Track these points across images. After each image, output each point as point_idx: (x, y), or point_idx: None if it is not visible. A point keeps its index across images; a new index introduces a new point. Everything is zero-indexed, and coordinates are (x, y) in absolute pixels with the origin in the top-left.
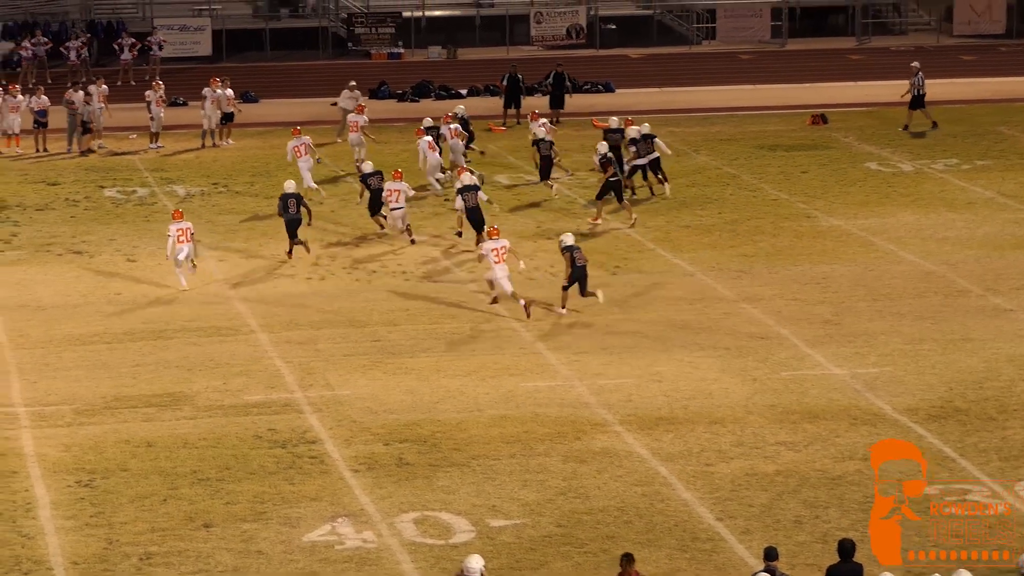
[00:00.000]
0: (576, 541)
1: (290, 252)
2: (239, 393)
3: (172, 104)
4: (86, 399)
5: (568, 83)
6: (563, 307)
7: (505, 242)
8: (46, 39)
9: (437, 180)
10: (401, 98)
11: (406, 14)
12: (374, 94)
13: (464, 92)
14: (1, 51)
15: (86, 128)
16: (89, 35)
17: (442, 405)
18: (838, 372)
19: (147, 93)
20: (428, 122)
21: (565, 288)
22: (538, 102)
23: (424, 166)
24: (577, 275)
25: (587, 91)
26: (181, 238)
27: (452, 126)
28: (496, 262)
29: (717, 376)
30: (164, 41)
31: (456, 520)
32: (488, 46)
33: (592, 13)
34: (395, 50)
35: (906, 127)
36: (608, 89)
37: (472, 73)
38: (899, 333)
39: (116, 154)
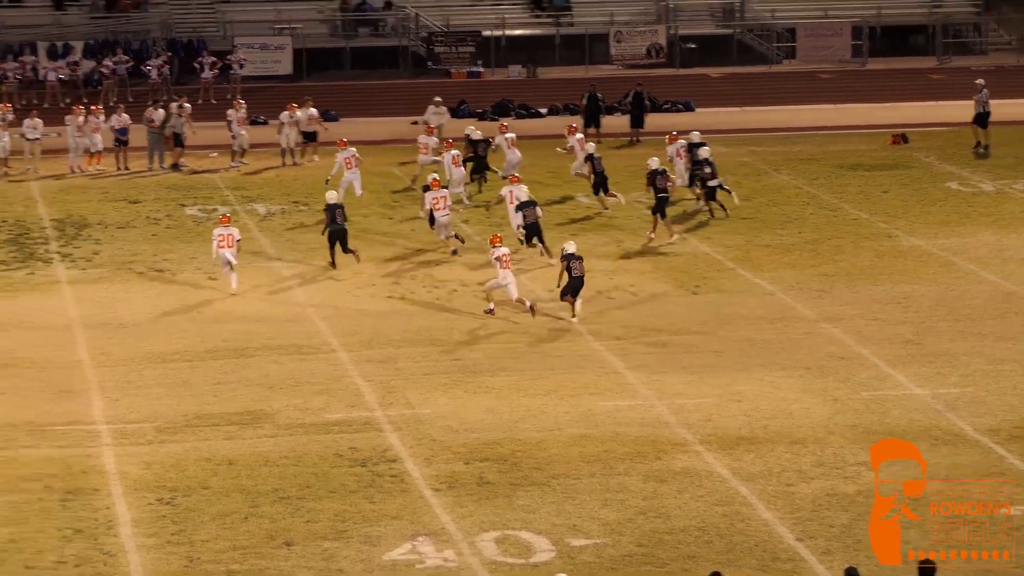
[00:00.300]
0: (657, 561)
1: (333, 262)
2: (320, 411)
3: (253, 123)
4: (168, 417)
5: (647, 102)
6: (573, 315)
7: (505, 250)
8: (127, 57)
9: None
10: (481, 116)
11: (486, 33)
12: (454, 113)
13: (544, 111)
14: (83, 70)
15: (178, 141)
16: (170, 54)
17: (522, 424)
18: (919, 392)
19: (228, 112)
20: (471, 131)
21: (563, 297)
22: (618, 121)
23: (449, 179)
24: (573, 285)
25: (667, 110)
26: (223, 243)
27: (509, 136)
28: (503, 268)
29: (798, 396)
30: (245, 60)
31: (536, 539)
32: (568, 65)
33: (672, 32)
34: (475, 69)
35: (978, 145)
36: (688, 108)
37: (552, 92)
38: (980, 353)
39: (197, 172)
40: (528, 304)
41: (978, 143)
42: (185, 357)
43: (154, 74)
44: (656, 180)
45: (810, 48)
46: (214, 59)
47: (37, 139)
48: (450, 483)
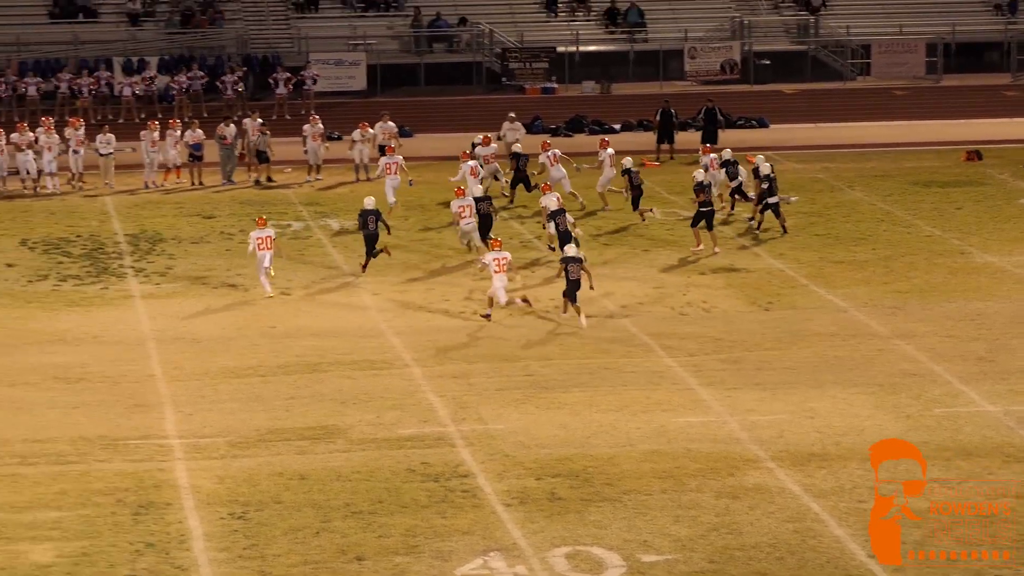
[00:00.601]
0: None
1: (364, 267)
2: (392, 426)
3: (328, 138)
4: (240, 431)
5: (720, 117)
6: (568, 312)
7: (506, 254)
8: (202, 73)
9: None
10: (555, 132)
11: (560, 49)
12: (528, 128)
13: (617, 127)
14: (158, 85)
15: (263, 158)
16: (245, 69)
17: (594, 440)
18: (992, 409)
19: (304, 128)
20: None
21: (564, 297)
22: (692, 137)
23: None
24: (569, 289)
25: (741, 126)
26: (262, 246)
27: (553, 152)
28: (496, 271)
29: (870, 413)
30: (318, 75)
31: (608, 555)
32: (642, 81)
33: (746, 48)
34: (549, 85)
35: None
36: (762, 124)
37: (625, 108)
38: None
39: (271, 187)
40: (519, 299)
41: None
42: (258, 372)
43: (229, 90)
44: (701, 192)
45: (885, 64)
46: (288, 75)
47: (111, 154)
48: (522, 498)
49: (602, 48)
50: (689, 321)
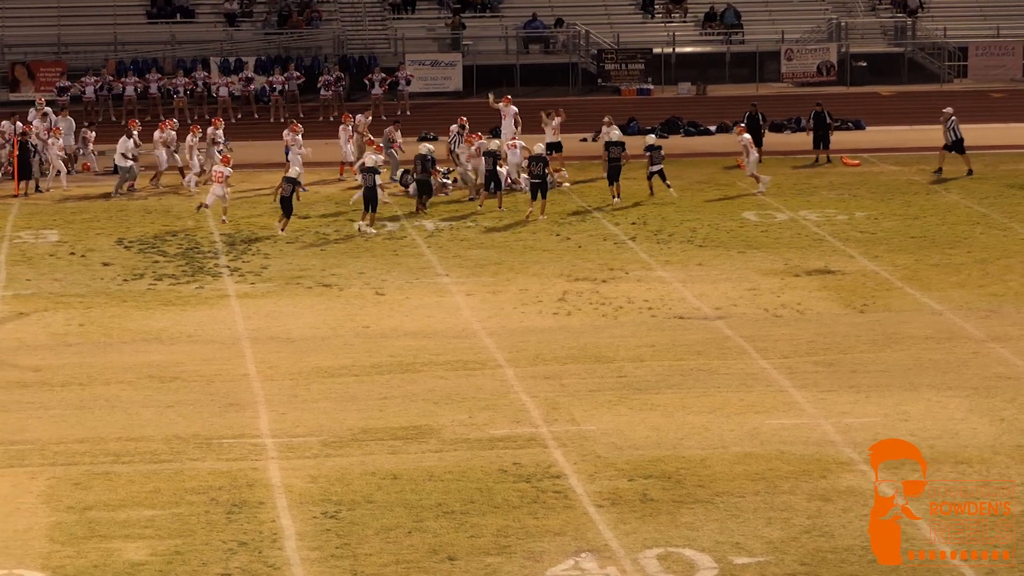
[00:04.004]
0: None
1: (420, 208)
2: (484, 427)
3: (421, 139)
4: (333, 431)
5: (830, 121)
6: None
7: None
8: (298, 73)
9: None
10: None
11: (656, 51)
12: (623, 130)
13: (712, 128)
14: (255, 86)
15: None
16: (341, 70)
17: (687, 441)
18: None
19: (387, 130)
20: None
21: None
22: (788, 139)
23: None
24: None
25: (838, 128)
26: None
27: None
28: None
29: (964, 416)
30: (412, 76)
31: (699, 557)
32: (737, 83)
33: (843, 50)
34: (645, 86)
35: (939, 170)
36: (858, 127)
37: (721, 109)
38: None
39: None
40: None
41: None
42: (351, 372)
43: (325, 90)
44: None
45: (982, 67)
46: (384, 75)
47: (220, 149)
48: (613, 500)
49: (698, 49)
50: (783, 323)
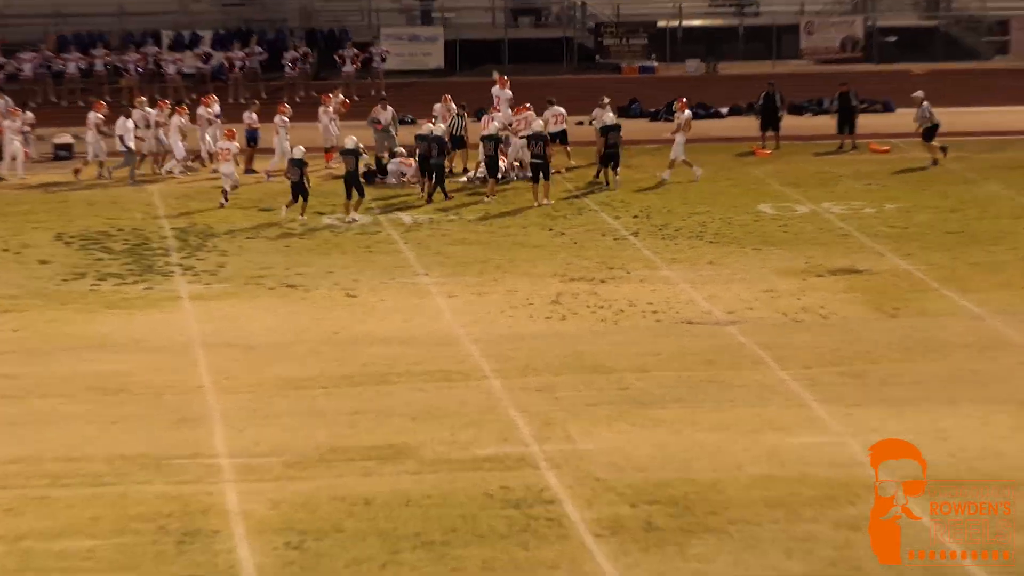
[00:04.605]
0: None
1: (430, 197)
2: (469, 446)
3: (400, 122)
4: (298, 450)
5: (856, 103)
6: None
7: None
8: (260, 49)
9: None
10: (654, 117)
11: (661, 24)
12: (624, 112)
13: (724, 111)
14: (212, 62)
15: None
16: (308, 46)
17: (696, 462)
18: None
19: (376, 108)
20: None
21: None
22: (809, 123)
23: None
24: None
25: (864, 110)
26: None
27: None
28: None
29: (1009, 433)
30: (387, 52)
31: None
32: (752, 59)
33: (870, 24)
34: (648, 63)
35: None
36: (887, 108)
37: (733, 90)
38: None
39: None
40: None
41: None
42: (319, 383)
43: (290, 68)
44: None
45: None
46: (356, 51)
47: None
48: (614, 528)
49: (708, 23)
50: (805, 329)
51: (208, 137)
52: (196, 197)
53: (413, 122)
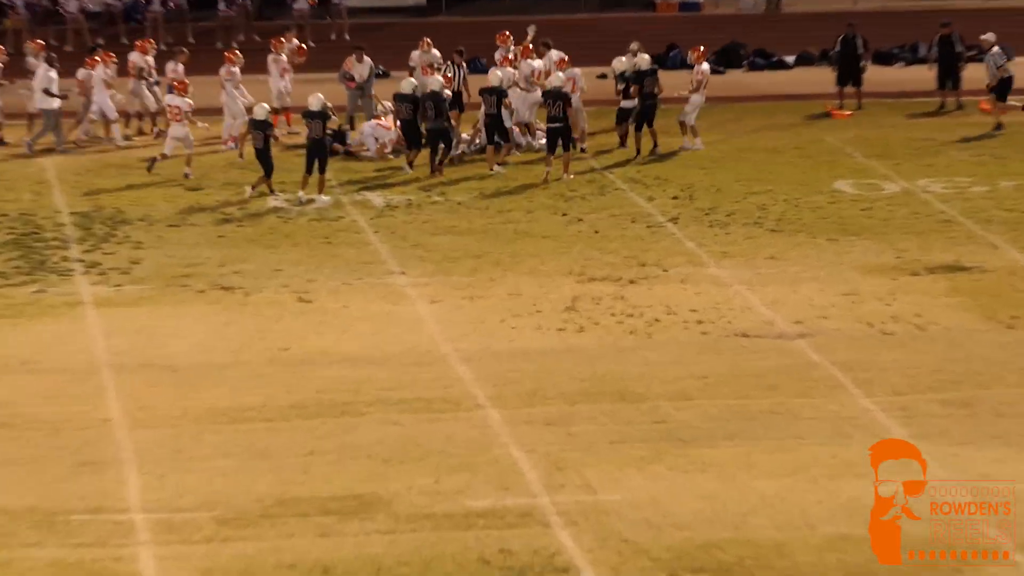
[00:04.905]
0: None
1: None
2: (457, 496)
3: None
4: (235, 503)
5: (960, 49)
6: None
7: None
8: None
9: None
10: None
11: None
12: (661, 62)
13: (790, 60)
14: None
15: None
16: None
17: (754, 518)
18: None
19: (348, 60)
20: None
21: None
22: (901, 75)
23: None
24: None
25: (972, 59)
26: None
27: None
28: None
29: None
30: None
31: None
32: None
33: None
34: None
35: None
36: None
37: (802, 33)
38: None
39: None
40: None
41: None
42: (263, 415)
43: (225, 6)
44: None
45: None
46: None
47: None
48: None
49: None
50: (896, 343)
51: (148, 94)
52: (103, 173)
53: (386, 75)
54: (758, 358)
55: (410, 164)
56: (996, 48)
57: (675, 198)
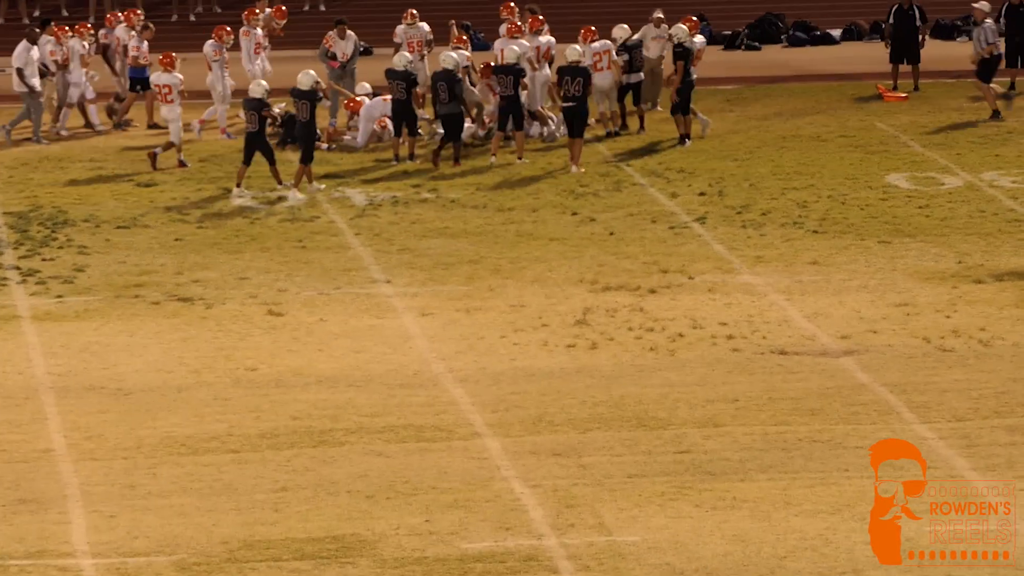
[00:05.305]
0: None
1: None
2: (451, 537)
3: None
4: (197, 546)
5: None
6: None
7: None
8: None
9: None
10: (731, 43)
11: None
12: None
13: (836, 34)
14: None
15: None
16: None
17: (793, 562)
18: None
19: (328, 37)
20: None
21: None
22: (963, 51)
23: None
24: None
25: None
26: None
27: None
28: None
29: None
30: None
31: None
32: None
33: None
34: None
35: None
36: None
37: (848, 1)
38: None
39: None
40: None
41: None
42: (228, 445)
43: None
44: None
45: None
46: None
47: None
48: None
49: None
50: (957, 361)
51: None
52: (40, 166)
53: (369, 52)
54: (797, 379)
55: (405, 156)
56: (988, 21)
57: (702, 194)
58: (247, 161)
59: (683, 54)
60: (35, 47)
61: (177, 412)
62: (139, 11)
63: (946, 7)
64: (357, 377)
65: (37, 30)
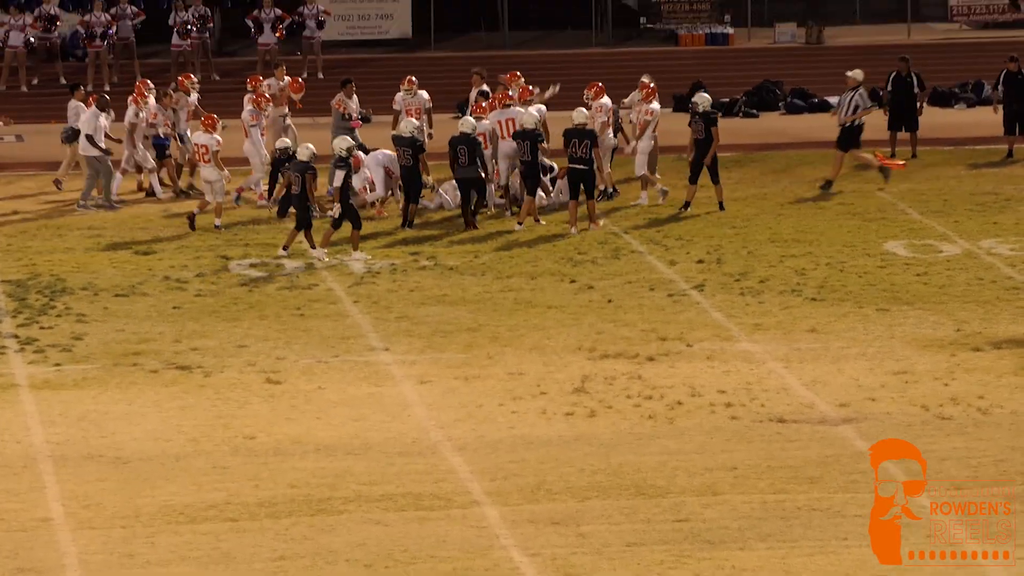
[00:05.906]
0: None
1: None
2: None
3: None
4: None
5: None
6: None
7: None
8: (136, 8)
9: None
10: (729, 110)
11: None
12: (683, 104)
13: (834, 101)
14: (63, 30)
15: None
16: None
17: None
18: None
19: (338, 100)
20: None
21: None
22: (961, 118)
23: None
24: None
25: None
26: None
27: None
28: None
29: None
30: (327, 13)
31: None
32: (875, 23)
33: None
34: (720, 30)
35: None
36: None
37: (846, 69)
38: None
39: (261, 206)
40: None
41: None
42: (226, 514)
43: (180, 37)
44: None
45: None
46: (279, 12)
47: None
48: None
49: None
50: (956, 430)
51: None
52: (39, 234)
53: (367, 121)
54: (796, 447)
55: (408, 221)
56: (861, 89)
57: (700, 262)
58: (288, 217)
59: (714, 120)
60: (103, 113)
61: (175, 480)
62: (147, 80)
63: (943, 75)
64: (355, 445)
65: (107, 97)
